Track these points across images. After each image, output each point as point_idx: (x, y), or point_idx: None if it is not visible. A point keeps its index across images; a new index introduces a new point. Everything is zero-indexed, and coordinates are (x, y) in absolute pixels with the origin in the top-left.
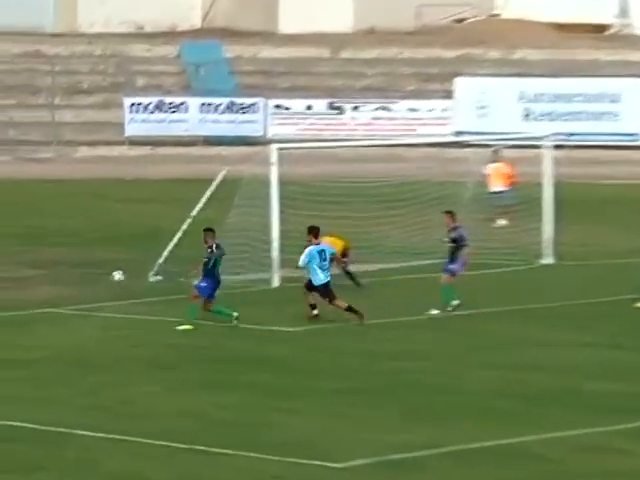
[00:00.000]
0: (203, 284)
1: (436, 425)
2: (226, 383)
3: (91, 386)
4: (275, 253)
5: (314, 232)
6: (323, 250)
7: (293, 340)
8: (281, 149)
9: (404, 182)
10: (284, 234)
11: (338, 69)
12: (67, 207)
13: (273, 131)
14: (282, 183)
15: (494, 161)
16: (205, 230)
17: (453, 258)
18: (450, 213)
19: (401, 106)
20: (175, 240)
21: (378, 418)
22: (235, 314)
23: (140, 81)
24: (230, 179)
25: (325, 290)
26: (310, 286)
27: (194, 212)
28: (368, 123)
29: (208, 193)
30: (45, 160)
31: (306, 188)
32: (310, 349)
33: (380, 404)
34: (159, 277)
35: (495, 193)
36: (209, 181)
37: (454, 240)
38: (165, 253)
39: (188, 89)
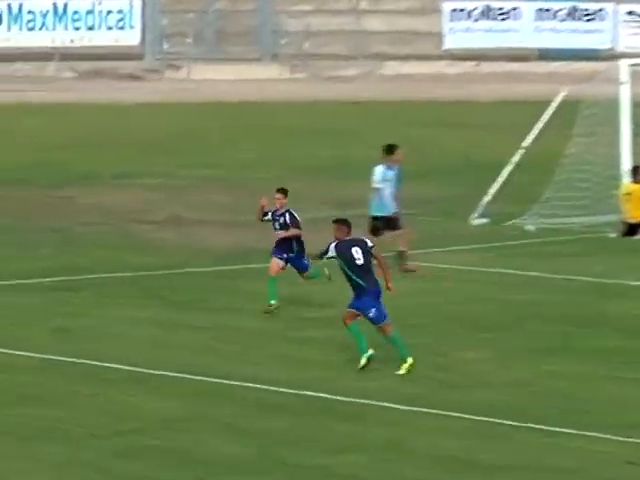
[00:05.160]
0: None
1: None
2: (563, 348)
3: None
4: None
5: None
6: None
7: (637, 296)
8: (634, 65)
9: None
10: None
11: None
12: (374, 134)
13: (624, 43)
14: (635, 106)
15: None
16: (277, 190)
17: None
18: None
19: None
20: (504, 175)
21: None
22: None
23: None
24: (569, 102)
25: None
26: None
27: (526, 142)
28: None
29: (544, 119)
30: (346, 78)
31: None
32: None
33: None
34: (484, 220)
35: None
36: (544, 104)
37: None
38: (491, 191)
39: None
